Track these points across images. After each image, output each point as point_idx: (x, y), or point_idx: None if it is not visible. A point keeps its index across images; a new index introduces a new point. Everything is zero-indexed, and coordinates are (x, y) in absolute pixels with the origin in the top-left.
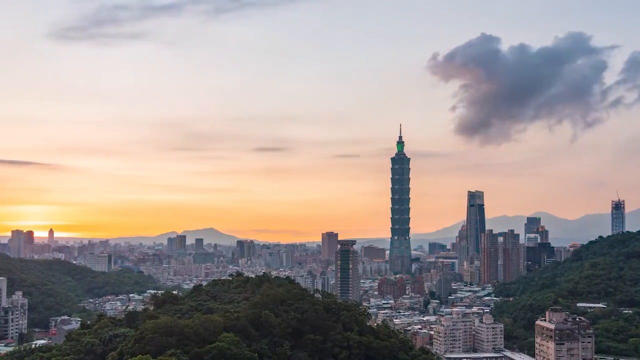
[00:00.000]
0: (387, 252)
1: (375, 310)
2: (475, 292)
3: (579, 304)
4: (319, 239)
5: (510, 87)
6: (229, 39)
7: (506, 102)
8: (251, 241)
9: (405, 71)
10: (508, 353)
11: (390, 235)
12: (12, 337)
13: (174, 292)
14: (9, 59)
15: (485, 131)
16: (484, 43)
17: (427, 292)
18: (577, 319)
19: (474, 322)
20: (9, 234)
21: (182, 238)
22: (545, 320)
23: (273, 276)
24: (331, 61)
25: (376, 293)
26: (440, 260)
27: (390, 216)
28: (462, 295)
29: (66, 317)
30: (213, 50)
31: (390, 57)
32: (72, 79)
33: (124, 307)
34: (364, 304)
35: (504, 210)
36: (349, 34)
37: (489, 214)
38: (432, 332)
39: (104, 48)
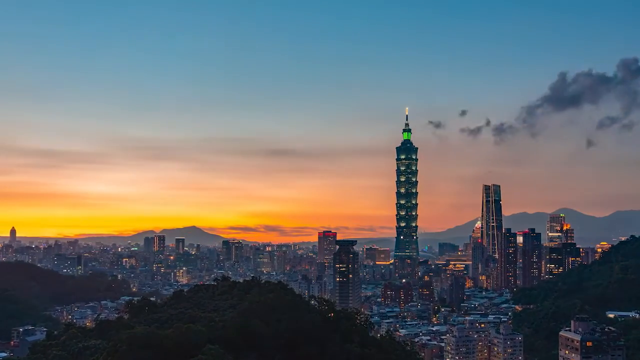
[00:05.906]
0: (392, 253)
1: (378, 319)
2: (491, 298)
3: (608, 312)
4: (314, 239)
5: None
6: None
7: None
8: (238, 241)
9: None
10: None
11: (395, 235)
12: None
13: (151, 298)
14: None
15: None
16: None
17: (436, 298)
18: (606, 329)
19: (489, 333)
20: None
21: (160, 238)
22: (570, 330)
23: (263, 281)
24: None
25: (379, 299)
26: (452, 262)
27: (396, 213)
28: (477, 302)
29: (30, 327)
30: None
31: None
32: None
33: (96, 316)
34: (366, 311)
35: (524, 206)
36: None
37: (506, 211)
38: (442, 344)
39: None
